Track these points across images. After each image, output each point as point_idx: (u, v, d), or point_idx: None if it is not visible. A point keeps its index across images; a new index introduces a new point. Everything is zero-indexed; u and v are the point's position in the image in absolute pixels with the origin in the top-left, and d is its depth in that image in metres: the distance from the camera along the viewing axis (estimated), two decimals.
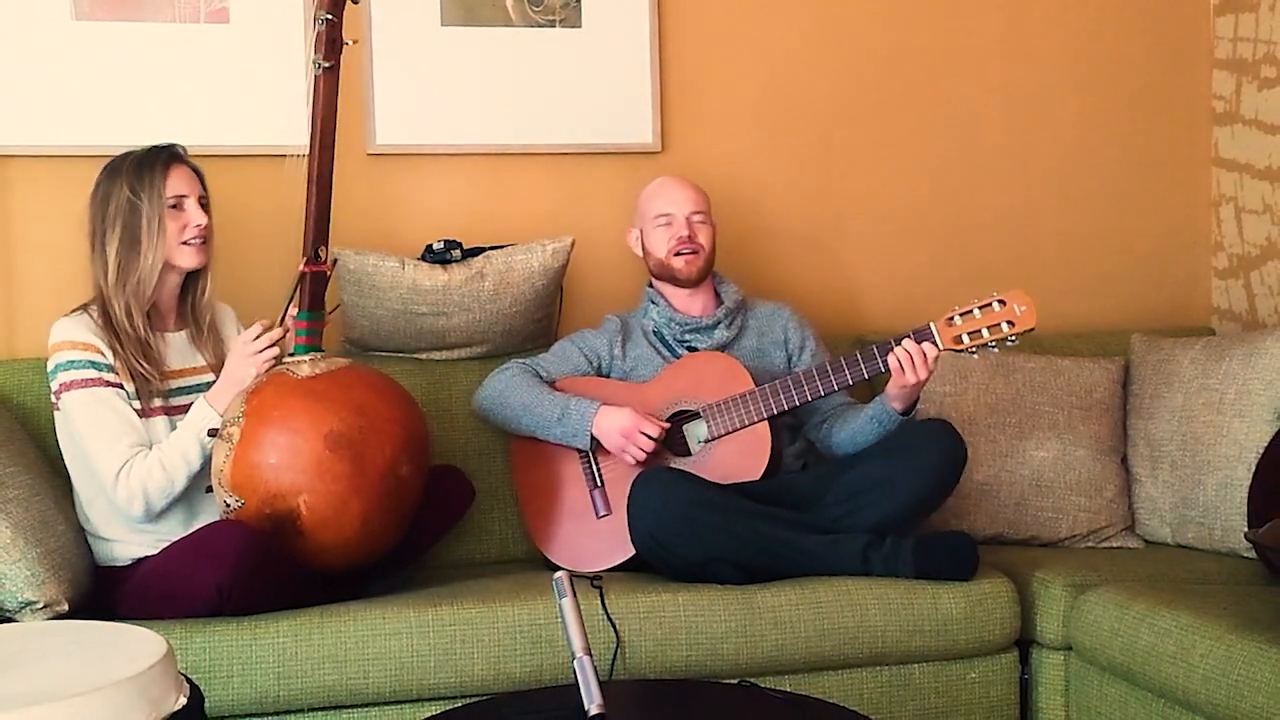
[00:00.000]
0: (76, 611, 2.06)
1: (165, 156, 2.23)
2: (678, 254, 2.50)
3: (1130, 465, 2.66)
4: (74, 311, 2.23)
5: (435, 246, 2.59)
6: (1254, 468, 2.40)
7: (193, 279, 2.29)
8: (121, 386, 2.17)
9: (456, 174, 2.78)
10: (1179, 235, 3.13)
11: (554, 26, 2.79)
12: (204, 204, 2.26)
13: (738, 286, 2.60)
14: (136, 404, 2.18)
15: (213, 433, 2.13)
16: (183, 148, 2.28)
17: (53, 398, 2.18)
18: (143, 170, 2.21)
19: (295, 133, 2.61)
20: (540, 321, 2.68)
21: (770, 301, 2.65)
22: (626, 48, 2.82)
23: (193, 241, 2.23)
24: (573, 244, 2.63)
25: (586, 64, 2.80)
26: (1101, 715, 2.19)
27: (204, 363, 2.29)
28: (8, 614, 2.01)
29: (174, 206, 2.21)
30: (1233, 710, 1.84)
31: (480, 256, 2.59)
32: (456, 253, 2.59)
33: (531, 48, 2.77)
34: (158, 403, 2.21)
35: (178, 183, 2.22)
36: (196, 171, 2.27)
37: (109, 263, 2.19)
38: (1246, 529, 2.34)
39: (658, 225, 2.52)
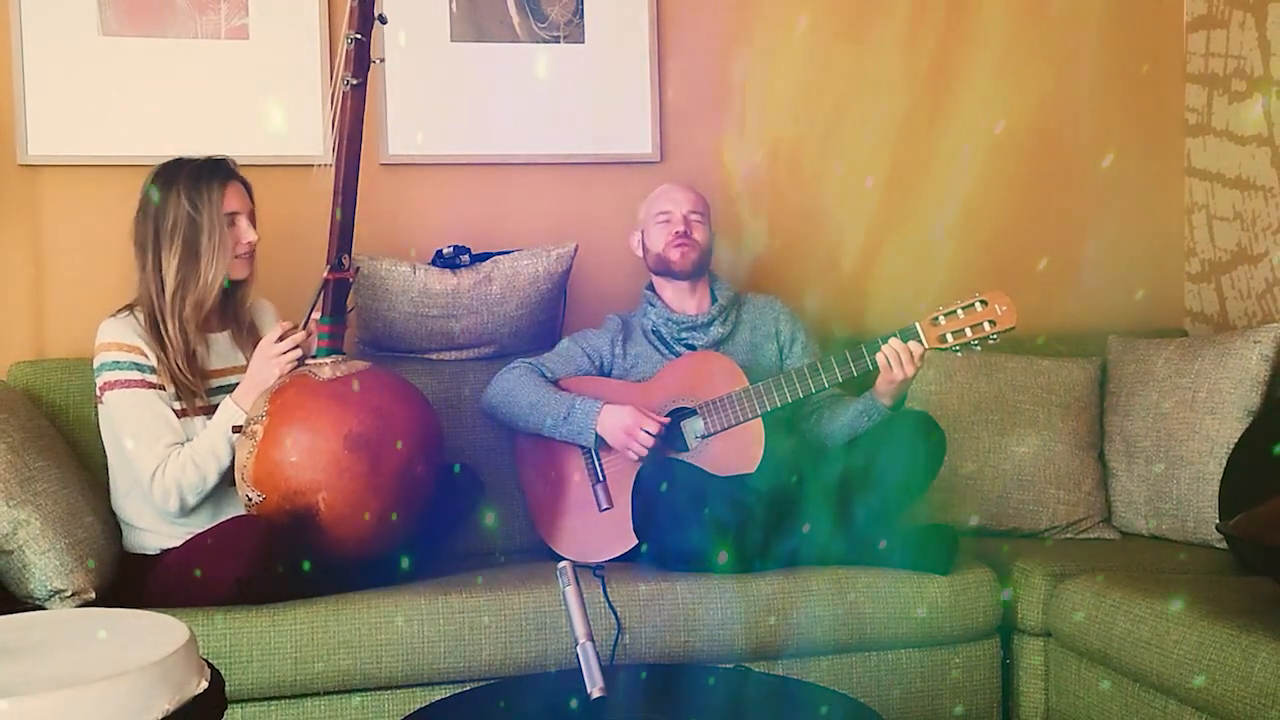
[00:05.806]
0: (103, 599, 2.09)
1: (222, 173, 2.24)
2: (675, 246, 2.55)
3: (1107, 460, 2.70)
4: (120, 312, 2.25)
5: (445, 252, 2.63)
6: (1225, 463, 2.44)
7: (235, 283, 2.30)
8: (163, 388, 2.20)
9: (465, 183, 2.81)
10: (1154, 241, 3.16)
11: (558, 42, 2.82)
12: (252, 219, 2.28)
13: (730, 284, 2.65)
14: (177, 404, 2.21)
15: (236, 429, 2.17)
16: (234, 161, 2.28)
17: (97, 393, 2.21)
18: (199, 185, 2.21)
19: (311, 144, 2.69)
20: (545, 323, 2.71)
21: (762, 294, 2.68)
22: (627, 62, 2.86)
23: (243, 256, 2.27)
24: (576, 249, 2.67)
25: (589, 78, 2.84)
26: (1079, 698, 2.22)
27: (245, 362, 2.30)
28: (37, 602, 2.04)
29: (229, 224, 2.23)
30: (1205, 694, 1.87)
31: (488, 261, 2.63)
32: (465, 258, 2.62)
33: (536, 62, 2.80)
34: (198, 403, 2.23)
35: (233, 199, 2.24)
36: (246, 186, 2.29)
37: (167, 277, 2.20)
38: (1218, 521, 2.38)
39: (657, 222, 2.58)
